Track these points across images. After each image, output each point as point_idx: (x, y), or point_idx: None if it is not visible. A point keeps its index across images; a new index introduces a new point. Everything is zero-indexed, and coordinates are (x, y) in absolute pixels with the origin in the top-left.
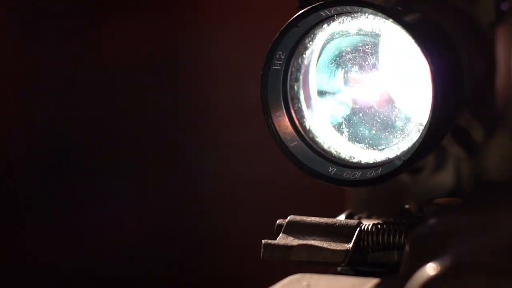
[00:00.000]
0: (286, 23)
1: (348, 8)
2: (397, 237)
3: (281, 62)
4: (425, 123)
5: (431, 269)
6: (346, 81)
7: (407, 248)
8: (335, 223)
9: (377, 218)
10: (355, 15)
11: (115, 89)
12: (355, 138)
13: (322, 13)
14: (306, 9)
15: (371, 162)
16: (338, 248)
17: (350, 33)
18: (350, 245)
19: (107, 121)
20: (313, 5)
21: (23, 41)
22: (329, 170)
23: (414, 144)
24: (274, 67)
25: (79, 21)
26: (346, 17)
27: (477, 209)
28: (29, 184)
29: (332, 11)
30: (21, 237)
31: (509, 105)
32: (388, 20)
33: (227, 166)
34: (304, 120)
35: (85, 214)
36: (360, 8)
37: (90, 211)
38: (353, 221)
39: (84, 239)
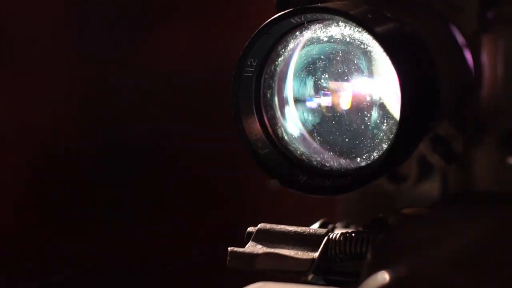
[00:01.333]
0: (257, 30)
1: (319, 15)
2: (364, 246)
3: (252, 69)
4: (394, 132)
5: (379, 278)
6: (317, 89)
7: (367, 257)
8: (303, 232)
9: (353, 227)
10: (327, 22)
11: (167, 95)
12: (326, 146)
13: (292, 20)
14: (275, 16)
15: (342, 170)
16: (304, 257)
17: (321, 40)
18: (317, 254)
19: (161, 125)
20: (282, 13)
21: (77, 46)
22: (300, 178)
23: (383, 153)
24: (245, 74)
25: (131, 26)
26: (318, 24)
27: (440, 221)
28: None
29: (302, 18)
30: None
31: (495, 114)
32: (359, 28)
33: None
34: (277, 127)
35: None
36: (331, 16)
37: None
38: (322, 230)
39: None
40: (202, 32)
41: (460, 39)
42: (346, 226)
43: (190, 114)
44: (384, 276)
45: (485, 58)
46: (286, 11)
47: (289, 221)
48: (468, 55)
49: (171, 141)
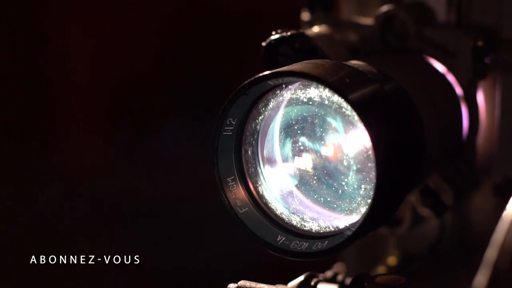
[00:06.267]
0: (234, 91)
1: (295, 78)
2: None
3: (232, 128)
4: (371, 198)
5: None
6: (296, 151)
7: None
8: None
9: (341, 276)
10: (305, 83)
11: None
12: (306, 206)
13: (270, 82)
14: (252, 79)
15: (321, 231)
16: None
17: (301, 101)
18: None
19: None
20: (259, 76)
21: None
22: (277, 239)
23: (362, 217)
24: (224, 133)
25: None
26: (297, 84)
27: None
28: None
29: (280, 81)
30: None
31: (490, 162)
32: (334, 94)
33: None
34: (258, 185)
35: None
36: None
37: None
38: None
39: None
40: None
41: (455, 86)
42: (333, 277)
43: None
44: None
45: (480, 105)
46: (263, 74)
47: None
48: (463, 104)
49: None
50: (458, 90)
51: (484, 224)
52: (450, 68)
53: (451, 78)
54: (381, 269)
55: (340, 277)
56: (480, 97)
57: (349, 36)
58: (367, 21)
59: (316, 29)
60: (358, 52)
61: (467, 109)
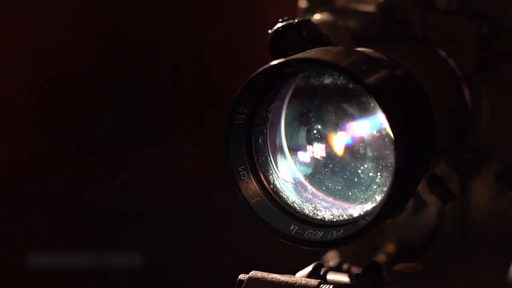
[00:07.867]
0: (248, 79)
1: (312, 65)
2: None
3: (244, 116)
4: (388, 185)
5: None
6: (310, 139)
7: None
8: (295, 283)
9: (347, 265)
10: (320, 71)
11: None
12: (319, 195)
13: (284, 69)
14: (266, 67)
15: (334, 220)
16: None
17: (314, 89)
18: None
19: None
20: (274, 63)
21: None
22: (291, 228)
23: (377, 206)
24: (237, 122)
25: None
26: (310, 73)
27: (432, 282)
28: None
29: (295, 68)
30: None
31: (492, 148)
32: (350, 80)
33: None
34: (269, 173)
35: None
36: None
37: None
38: (313, 282)
39: None
40: None
41: (459, 73)
42: (339, 266)
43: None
44: None
45: (483, 92)
46: (278, 62)
47: None
48: (466, 90)
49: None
50: (462, 77)
51: (485, 211)
52: (453, 55)
53: (454, 64)
54: (380, 258)
55: (345, 266)
56: (482, 85)
57: (350, 23)
58: (368, 8)
59: (317, 16)
60: (360, 39)
61: (470, 96)
